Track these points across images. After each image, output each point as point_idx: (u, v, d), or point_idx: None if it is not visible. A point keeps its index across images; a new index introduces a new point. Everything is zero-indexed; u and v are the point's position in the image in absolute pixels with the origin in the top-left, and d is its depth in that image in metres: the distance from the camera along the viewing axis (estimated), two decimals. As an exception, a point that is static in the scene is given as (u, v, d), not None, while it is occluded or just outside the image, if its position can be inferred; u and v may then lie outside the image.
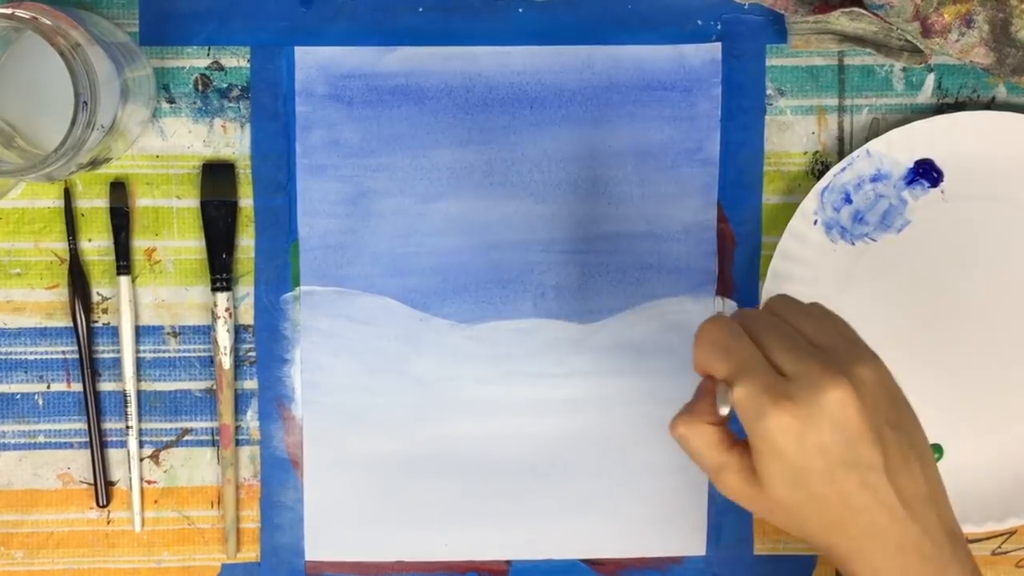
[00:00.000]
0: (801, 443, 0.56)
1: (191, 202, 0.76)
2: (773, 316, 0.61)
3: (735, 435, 0.61)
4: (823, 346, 0.59)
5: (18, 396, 0.76)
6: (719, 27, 0.75)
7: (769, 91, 0.76)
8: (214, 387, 0.76)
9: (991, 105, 0.76)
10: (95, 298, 0.76)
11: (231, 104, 0.75)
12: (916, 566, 0.58)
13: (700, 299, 0.76)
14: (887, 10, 0.71)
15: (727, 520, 0.78)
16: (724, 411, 0.58)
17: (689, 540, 0.78)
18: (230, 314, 0.75)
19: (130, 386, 0.76)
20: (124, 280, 0.75)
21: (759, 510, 0.60)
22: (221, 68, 0.75)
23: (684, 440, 0.61)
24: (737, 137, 0.76)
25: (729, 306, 0.77)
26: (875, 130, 0.76)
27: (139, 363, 0.76)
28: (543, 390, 0.77)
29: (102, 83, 0.63)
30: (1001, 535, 0.78)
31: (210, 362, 0.76)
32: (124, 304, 0.75)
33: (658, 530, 0.78)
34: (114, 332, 0.76)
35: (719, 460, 0.60)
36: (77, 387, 0.76)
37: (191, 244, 0.76)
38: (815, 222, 0.75)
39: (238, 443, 0.77)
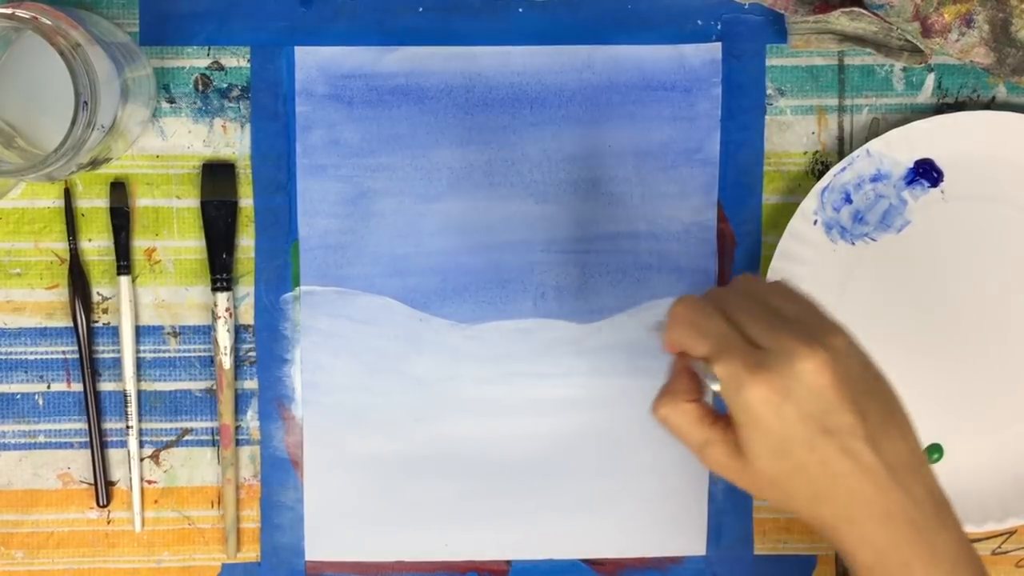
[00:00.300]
0: (780, 413, 0.57)
1: (191, 202, 0.76)
2: (742, 294, 0.61)
3: (716, 411, 0.62)
4: (794, 319, 0.59)
5: (18, 396, 0.76)
6: (719, 27, 0.75)
7: (769, 91, 0.76)
8: (214, 387, 0.76)
9: (991, 105, 0.76)
10: (95, 298, 0.76)
11: (231, 104, 0.75)
12: (904, 533, 0.58)
13: (700, 299, 0.76)
14: (887, 10, 0.71)
15: (727, 520, 0.78)
16: (715, 387, 0.59)
17: (689, 540, 0.78)
18: (230, 314, 0.75)
19: (130, 386, 0.76)
20: (124, 280, 0.75)
21: (745, 484, 0.61)
22: (221, 68, 0.75)
23: (667, 420, 0.62)
24: (737, 137, 0.76)
25: (729, 306, 0.77)
26: (875, 130, 0.76)
27: (139, 363, 0.76)
28: (543, 390, 0.77)
29: (102, 83, 0.63)
30: (1001, 535, 0.78)
31: (210, 362, 0.76)
32: (124, 304, 0.75)
33: (658, 530, 0.78)
34: (114, 332, 0.76)
35: (703, 436, 0.61)
36: (77, 387, 0.76)
37: (191, 244, 0.76)
38: (815, 222, 0.75)
39: (238, 443, 0.77)
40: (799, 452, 0.57)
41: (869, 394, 0.58)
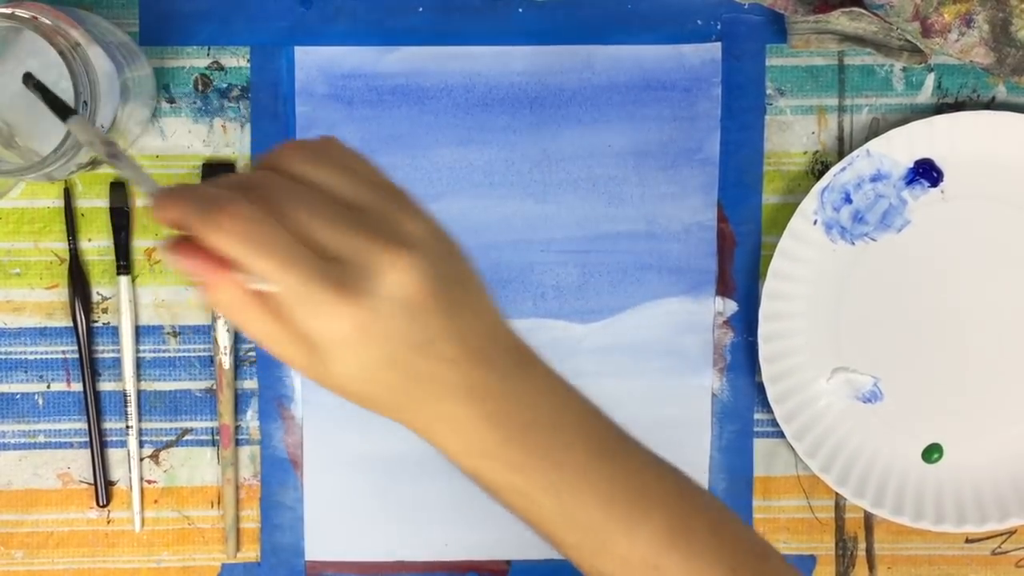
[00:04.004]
0: (368, 335, 0.49)
1: (191, 202, 0.75)
2: (291, 180, 0.50)
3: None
4: (361, 205, 0.50)
5: (18, 396, 0.76)
6: (719, 27, 0.75)
7: (769, 91, 0.76)
8: (214, 387, 0.76)
9: (991, 105, 0.76)
10: (95, 298, 0.76)
11: (231, 104, 0.75)
12: (482, 409, 0.53)
13: (700, 299, 0.76)
14: (887, 10, 0.71)
15: (727, 520, 0.78)
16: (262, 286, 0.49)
17: (689, 540, 0.78)
18: (230, 314, 0.75)
19: (130, 386, 0.76)
20: (124, 280, 0.75)
21: (324, 385, 0.52)
22: (221, 68, 0.75)
23: (221, 305, 0.50)
24: (737, 137, 0.76)
25: (729, 306, 0.77)
26: (875, 130, 0.76)
27: (139, 363, 0.76)
28: (543, 390, 0.77)
29: (102, 83, 0.63)
30: (1001, 535, 0.78)
31: (210, 362, 0.76)
32: (124, 304, 0.75)
33: (658, 530, 0.78)
34: (114, 332, 0.76)
35: (268, 329, 0.50)
36: (77, 387, 0.76)
37: (191, 244, 0.76)
38: (815, 222, 0.75)
39: (238, 443, 0.77)
40: (387, 369, 0.50)
41: (454, 281, 0.51)
